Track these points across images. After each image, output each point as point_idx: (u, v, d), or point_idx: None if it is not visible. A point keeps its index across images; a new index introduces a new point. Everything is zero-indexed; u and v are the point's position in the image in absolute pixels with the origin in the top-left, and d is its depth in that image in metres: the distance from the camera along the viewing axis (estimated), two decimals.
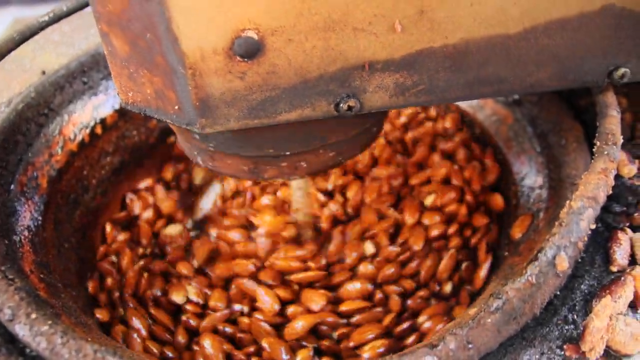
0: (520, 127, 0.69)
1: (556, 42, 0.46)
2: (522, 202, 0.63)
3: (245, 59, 0.41)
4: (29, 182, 0.67)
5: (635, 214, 0.55)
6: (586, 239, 0.42)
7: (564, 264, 0.41)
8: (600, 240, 0.53)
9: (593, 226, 0.43)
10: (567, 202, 0.43)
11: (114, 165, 0.82)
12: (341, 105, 0.45)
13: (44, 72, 0.86)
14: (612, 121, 0.49)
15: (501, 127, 0.72)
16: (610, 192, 0.45)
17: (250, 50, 0.40)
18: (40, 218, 0.66)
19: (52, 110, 0.73)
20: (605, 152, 0.46)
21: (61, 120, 0.74)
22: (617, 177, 0.58)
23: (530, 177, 0.64)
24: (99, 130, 0.78)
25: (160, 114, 0.45)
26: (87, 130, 0.77)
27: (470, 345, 0.40)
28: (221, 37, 0.40)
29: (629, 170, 0.59)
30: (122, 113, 0.81)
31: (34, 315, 0.46)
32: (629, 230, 0.54)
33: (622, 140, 0.49)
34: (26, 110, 0.70)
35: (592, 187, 0.43)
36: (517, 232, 0.59)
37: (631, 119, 0.67)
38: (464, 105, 0.78)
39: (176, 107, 0.43)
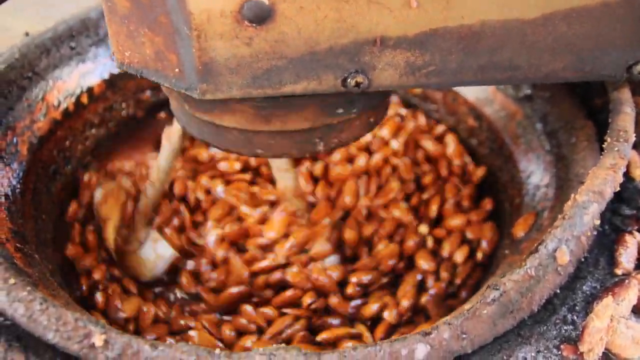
0: (530, 124, 0.71)
1: (575, 31, 0.47)
2: (526, 201, 0.65)
3: (254, 24, 0.42)
4: (8, 147, 0.68)
5: None
6: (590, 234, 0.44)
7: (564, 257, 0.43)
8: (606, 243, 0.55)
9: (597, 222, 0.45)
10: (572, 195, 0.45)
11: (99, 138, 0.83)
12: (349, 80, 0.46)
13: (27, 34, 0.86)
14: (626, 118, 0.51)
15: (509, 123, 0.74)
16: (618, 188, 0.47)
17: (259, 15, 0.41)
18: (18, 186, 0.66)
19: (37, 74, 0.74)
20: (616, 149, 0.48)
21: (45, 85, 0.75)
22: (629, 179, 0.60)
23: (537, 175, 0.66)
24: (85, 99, 0.80)
25: (159, 76, 0.46)
26: (73, 99, 0.78)
27: (464, 336, 0.42)
28: None
29: None
30: (110, 83, 0.82)
31: (12, 281, 0.47)
32: (637, 234, 0.56)
33: (634, 138, 0.51)
34: (9, 72, 0.71)
35: (600, 181, 0.45)
36: (519, 231, 0.61)
37: None
38: (472, 98, 0.80)
39: (176, 70, 0.45)
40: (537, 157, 0.68)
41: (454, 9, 0.44)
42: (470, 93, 0.80)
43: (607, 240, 0.56)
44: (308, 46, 0.44)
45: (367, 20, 0.43)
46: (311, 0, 0.42)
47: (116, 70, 0.82)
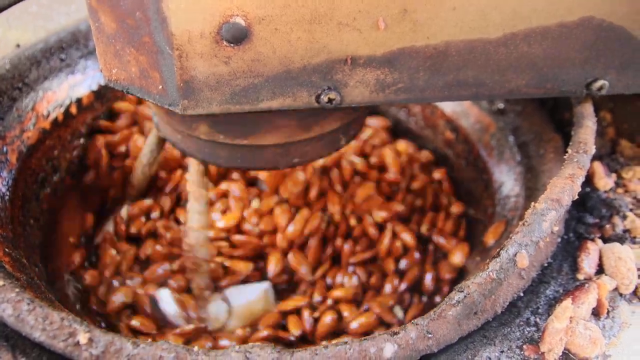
0: (503, 136, 0.75)
1: (535, 50, 0.51)
2: (497, 210, 0.69)
3: (232, 44, 0.46)
4: None
5: (607, 226, 0.61)
6: (548, 240, 0.48)
7: (524, 261, 0.46)
8: (570, 250, 0.59)
9: (556, 228, 0.48)
10: (532, 203, 0.49)
11: (87, 148, 0.86)
12: (322, 97, 0.50)
13: (18, 45, 0.90)
14: (587, 131, 0.55)
15: (484, 136, 0.78)
16: (577, 197, 0.50)
17: (236, 36, 0.45)
18: (7, 193, 0.70)
19: (27, 85, 0.78)
20: (575, 160, 0.52)
21: (35, 96, 0.78)
22: (593, 190, 0.64)
23: (508, 185, 0.70)
24: (73, 110, 0.83)
25: (144, 93, 0.50)
26: (62, 109, 0.81)
27: (430, 335, 0.46)
28: (209, 21, 0.45)
29: (605, 183, 0.65)
30: (99, 95, 0.86)
31: (0, 283, 0.50)
32: (599, 241, 0.60)
33: (594, 150, 0.55)
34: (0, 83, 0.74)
35: (558, 190, 0.48)
36: (490, 239, 0.65)
37: (614, 133, 0.73)
38: (448, 111, 0.84)
39: (160, 87, 0.48)
40: (509, 169, 0.71)
41: (419, 30, 0.48)
42: (448, 106, 0.84)
43: (571, 247, 0.59)
44: (283, 65, 0.48)
45: (338, 40, 0.47)
46: (285, 22, 0.46)
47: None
